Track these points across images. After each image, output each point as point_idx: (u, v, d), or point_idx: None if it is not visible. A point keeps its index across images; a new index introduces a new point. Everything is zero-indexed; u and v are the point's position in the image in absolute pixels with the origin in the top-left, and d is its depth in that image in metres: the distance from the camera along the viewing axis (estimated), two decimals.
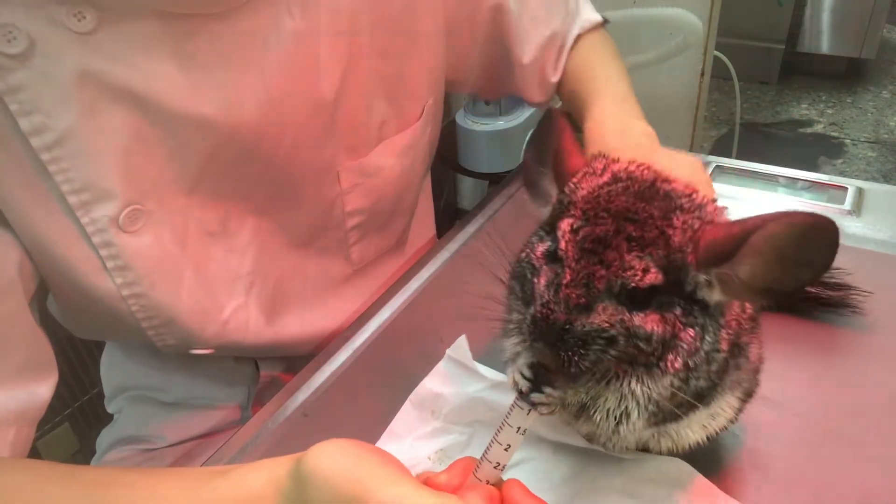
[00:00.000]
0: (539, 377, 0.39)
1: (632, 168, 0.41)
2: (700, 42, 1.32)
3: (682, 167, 0.53)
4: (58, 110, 0.48)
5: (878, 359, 0.62)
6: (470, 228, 0.84)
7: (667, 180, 0.41)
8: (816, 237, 0.34)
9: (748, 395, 0.47)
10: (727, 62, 1.65)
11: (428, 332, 0.68)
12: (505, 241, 0.44)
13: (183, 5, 0.51)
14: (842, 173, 2.56)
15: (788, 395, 0.56)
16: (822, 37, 3.05)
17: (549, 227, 0.41)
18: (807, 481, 0.51)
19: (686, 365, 0.38)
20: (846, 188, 0.84)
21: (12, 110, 0.47)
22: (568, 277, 0.36)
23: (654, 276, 0.36)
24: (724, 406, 0.45)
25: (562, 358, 0.36)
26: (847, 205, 0.81)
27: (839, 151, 2.71)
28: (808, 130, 2.87)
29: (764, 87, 3.18)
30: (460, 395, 0.55)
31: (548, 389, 0.39)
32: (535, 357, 0.38)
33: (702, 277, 0.37)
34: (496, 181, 1.27)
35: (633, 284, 0.35)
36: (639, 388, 0.39)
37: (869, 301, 0.65)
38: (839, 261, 0.35)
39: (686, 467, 0.49)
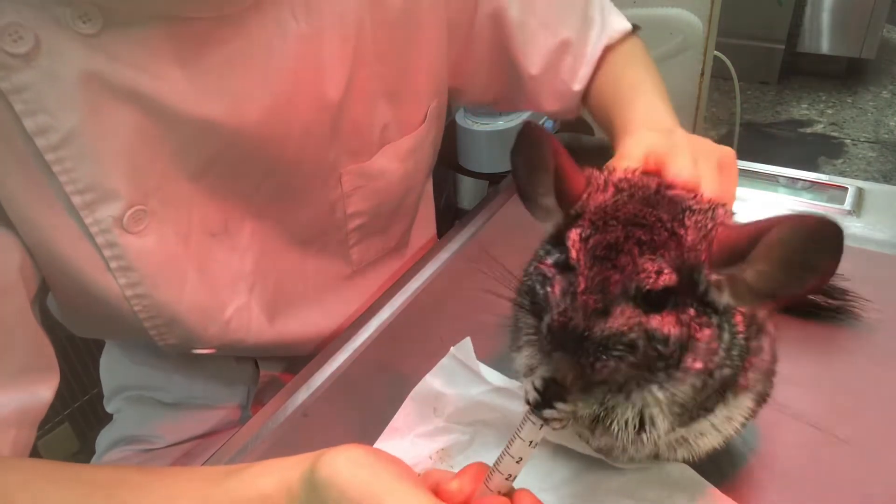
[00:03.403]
0: (550, 393, 0.39)
1: (631, 176, 0.42)
2: (700, 42, 1.32)
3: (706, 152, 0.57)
4: (63, 111, 0.48)
5: (879, 359, 0.62)
6: (470, 228, 0.84)
7: (669, 186, 0.41)
8: (821, 239, 0.34)
9: (762, 398, 0.48)
10: (727, 62, 1.65)
11: (428, 332, 0.68)
12: (504, 246, 0.44)
13: (188, 9, 0.51)
14: (842, 173, 2.56)
15: (788, 395, 0.56)
16: (822, 37, 3.05)
17: (556, 241, 0.41)
18: (808, 483, 0.51)
19: (706, 364, 0.39)
20: (846, 188, 0.84)
21: (17, 110, 0.47)
22: (583, 285, 0.36)
23: (667, 278, 0.36)
24: (740, 407, 0.45)
25: (581, 365, 0.36)
26: (847, 205, 0.81)
27: (839, 151, 2.71)
28: (808, 130, 2.87)
29: (764, 87, 3.18)
30: (463, 397, 0.55)
31: (559, 405, 0.39)
32: (553, 367, 0.38)
33: (714, 277, 0.38)
34: (496, 181, 1.27)
35: (647, 287, 0.36)
36: (661, 393, 0.40)
37: (869, 302, 0.65)
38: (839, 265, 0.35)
39: (688, 470, 0.48)
